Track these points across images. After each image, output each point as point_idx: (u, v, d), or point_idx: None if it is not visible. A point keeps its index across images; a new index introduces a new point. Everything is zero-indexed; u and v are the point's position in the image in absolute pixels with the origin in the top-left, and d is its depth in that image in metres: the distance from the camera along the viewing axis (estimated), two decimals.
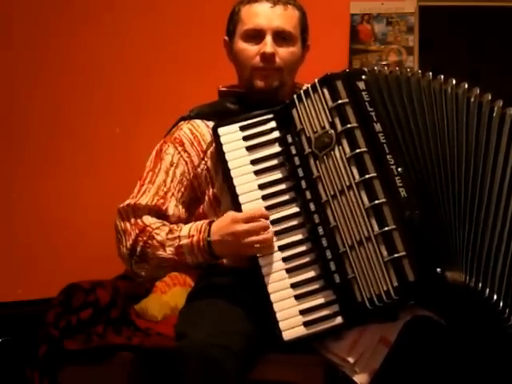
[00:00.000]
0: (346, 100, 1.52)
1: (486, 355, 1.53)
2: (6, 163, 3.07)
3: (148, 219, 1.67)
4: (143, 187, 1.72)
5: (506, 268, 1.52)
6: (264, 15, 1.70)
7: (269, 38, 1.70)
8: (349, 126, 1.50)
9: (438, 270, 1.42)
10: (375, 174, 1.47)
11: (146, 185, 1.72)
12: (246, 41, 1.74)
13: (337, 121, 1.52)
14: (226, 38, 1.82)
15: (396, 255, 1.42)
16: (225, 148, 1.62)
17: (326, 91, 1.54)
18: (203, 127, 1.78)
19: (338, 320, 1.50)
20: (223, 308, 1.55)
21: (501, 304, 1.48)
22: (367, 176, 1.47)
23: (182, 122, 1.82)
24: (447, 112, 1.59)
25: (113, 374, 2.19)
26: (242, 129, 1.63)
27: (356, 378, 1.50)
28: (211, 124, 1.73)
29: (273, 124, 1.63)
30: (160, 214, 1.69)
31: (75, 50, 3.09)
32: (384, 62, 2.99)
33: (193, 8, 3.04)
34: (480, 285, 1.47)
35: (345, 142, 1.50)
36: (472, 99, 1.63)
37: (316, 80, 1.57)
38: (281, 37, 1.72)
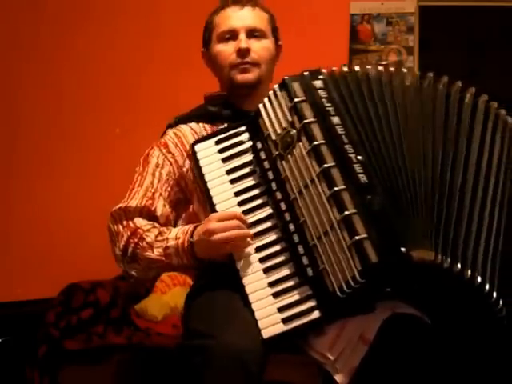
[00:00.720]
0: (303, 98, 1.56)
1: (473, 353, 1.52)
2: (5, 163, 3.08)
3: (139, 221, 1.72)
4: (133, 191, 1.78)
5: (490, 248, 1.50)
6: (235, 17, 1.83)
7: (242, 35, 1.81)
8: (306, 121, 1.53)
9: (403, 249, 1.41)
10: (333, 164, 1.48)
11: (136, 188, 1.78)
12: (221, 42, 1.84)
13: (295, 119, 1.55)
14: (203, 49, 1.92)
15: (357, 238, 1.41)
16: (201, 162, 1.69)
17: (284, 94, 1.59)
18: (185, 128, 1.86)
19: (315, 314, 1.50)
20: (239, 308, 1.56)
21: (487, 286, 1.46)
22: (325, 166, 1.48)
23: (169, 129, 1.89)
24: (412, 104, 1.62)
25: (113, 373, 2.19)
26: (218, 142, 1.70)
27: (336, 377, 1.51)
28: (193, 125, 1.84)
29: (246, 135, 1.69)
30: (150, 214, 1.74)
31: (75, 50, 3.10)
32: (384, 62, 3.00)
33: (193, 9, 3.04)
34: (459, 265, 1.45)
35: (304, 138, 1.53)
36: (440, 87, 1.66)
37: (275, 85, 1.63)
38: (253, 34, 1.83)
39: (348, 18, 3.04)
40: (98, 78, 3.08)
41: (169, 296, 2.51)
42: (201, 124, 1.84)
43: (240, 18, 1.82)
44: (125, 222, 1.71)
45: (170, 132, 1.86)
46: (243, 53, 1.79)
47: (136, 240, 1.67)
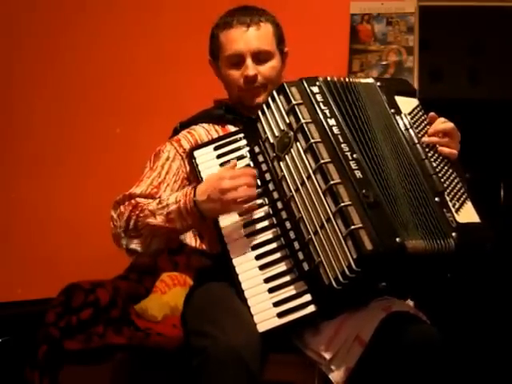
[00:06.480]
0: (300, 101, 1.61)
1: (468, 351, 1.54)
2: (6, 163, 3.08)
3: (141, 199, 1.75)
4: (140, 182, 1.81)
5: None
6: (240, 39, 1.82)
7: (249, 61, 1.82)
8: (303, 121, 1.58)
9: (398, 239, 1.46)
10: (329, 160, 1.52)
11: (144, 179, 1.81)
12: (229, 67, 1.85)
13: (292, 120, 1.60)
14: (210, 58, 1.92)
15: (352, 227, 1.45)
16: (200, 167, 1.73)
17: (282, 98, 1.63)
18: (198, 127, 1.88)
19: (311, 308, 1.53)
20: (237, 305, 1.58)
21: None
22: (322, 161, 1.52)
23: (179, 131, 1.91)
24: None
25: (113, 374, 2.19)
26: (216, 148, 1.74)
27: (331, 377, 1.53)
28: (205, 125, 1.87)
29: (243, 141, 1.74)
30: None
31: (77, 50, 3.10)
32: (384, 62, 3.00)
33: (194, 9, 3.05)
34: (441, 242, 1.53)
35: (301, 138, 1.57)
36: None
37: (273, 90, 1.67)
38: (259, 57, 1.84)
39: (348, 18, 3.04)
40: (99, 78, 3.08)
41: (169, 296, 2.51)
42: (212, 125, 1.87)
43: (245, 41, 1.81)
44: (127, 203, 1.74)
45: (184, 131, 1.88)
46: (250, 80, 1.82)
47: (137, 212, 1.70)
